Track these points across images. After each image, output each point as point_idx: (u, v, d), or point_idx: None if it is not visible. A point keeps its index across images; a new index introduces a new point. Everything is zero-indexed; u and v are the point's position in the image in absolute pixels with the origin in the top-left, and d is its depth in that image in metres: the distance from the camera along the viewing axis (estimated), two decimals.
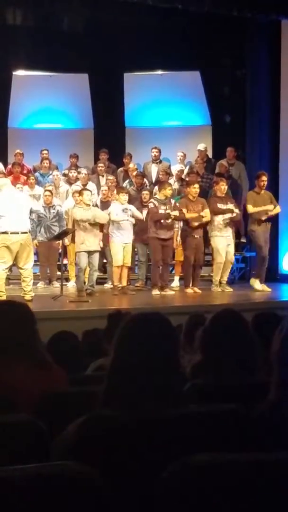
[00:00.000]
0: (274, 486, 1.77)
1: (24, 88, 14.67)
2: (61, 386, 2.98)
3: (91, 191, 10.70)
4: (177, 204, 10.69)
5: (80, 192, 10.57)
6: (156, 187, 11.17)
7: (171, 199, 10.79)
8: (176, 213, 10.45)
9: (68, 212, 11.50)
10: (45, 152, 13.26)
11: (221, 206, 10.69)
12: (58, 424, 2.23)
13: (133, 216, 10.53)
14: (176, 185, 12.33)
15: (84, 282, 10.22)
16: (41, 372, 2.90)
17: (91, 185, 12.07)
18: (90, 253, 10.14)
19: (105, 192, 11.74)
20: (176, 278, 11.56)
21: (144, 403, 2.05)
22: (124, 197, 10.47)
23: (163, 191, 10.50)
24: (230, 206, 10.74)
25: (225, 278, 10.89)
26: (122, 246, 10.43)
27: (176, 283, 11.45)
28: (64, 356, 3.72)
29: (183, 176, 12.68)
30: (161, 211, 10.36)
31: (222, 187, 10.80)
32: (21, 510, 1.66)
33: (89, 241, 10.12)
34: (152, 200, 10.62)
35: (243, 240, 12.03)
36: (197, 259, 10.64)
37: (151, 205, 10.49)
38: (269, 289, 10.81)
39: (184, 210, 10.46)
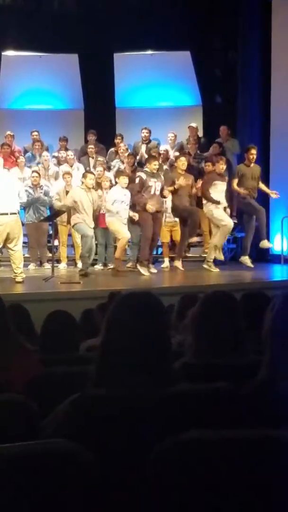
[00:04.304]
0: (264, 462, 1.78)
1: (14, 68, 14.57)
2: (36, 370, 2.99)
3: (94, 175, 10.75)
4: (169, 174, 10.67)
5: (84, 175, 10.61)
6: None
7: (161, 175, 10.76)
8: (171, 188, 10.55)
9: (60, 193, 11.50)
10: (35, 133, 13.23)
11: (218, 182, 10.77)
12: (48, 404, 2.23)
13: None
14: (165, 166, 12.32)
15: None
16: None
17: (77, 166, 12.15)
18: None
19: (100, 172, 11.80)
20: (166, 259, 11.60)
21: (135, 382, 2.05)
22: (125, 180, 10.66)
23: (148, 165, 10.57)
24: (224, 185, 10.85)
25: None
26: (121, 223, 10.67)
27: (166, 263, 11.51)
28: (59, 336, 3.71)
29: (172, 157, 12.65)
30: (151, 183, 10.39)
31: (221, 166, 10.91)
32: (12, 488, 1.66)
33: (87, 220, 10.23)
34: (140, 173, 10.62)
35: (234, 221, 12.01)
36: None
37: (140, 176, 10.49)
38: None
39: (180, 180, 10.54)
